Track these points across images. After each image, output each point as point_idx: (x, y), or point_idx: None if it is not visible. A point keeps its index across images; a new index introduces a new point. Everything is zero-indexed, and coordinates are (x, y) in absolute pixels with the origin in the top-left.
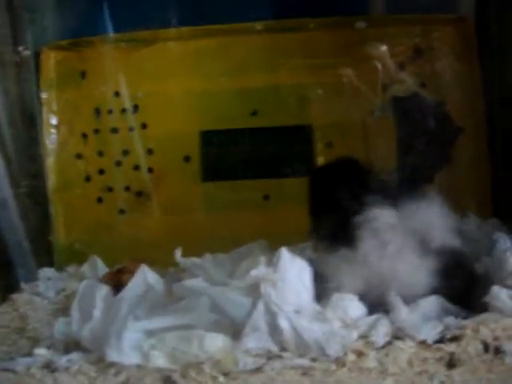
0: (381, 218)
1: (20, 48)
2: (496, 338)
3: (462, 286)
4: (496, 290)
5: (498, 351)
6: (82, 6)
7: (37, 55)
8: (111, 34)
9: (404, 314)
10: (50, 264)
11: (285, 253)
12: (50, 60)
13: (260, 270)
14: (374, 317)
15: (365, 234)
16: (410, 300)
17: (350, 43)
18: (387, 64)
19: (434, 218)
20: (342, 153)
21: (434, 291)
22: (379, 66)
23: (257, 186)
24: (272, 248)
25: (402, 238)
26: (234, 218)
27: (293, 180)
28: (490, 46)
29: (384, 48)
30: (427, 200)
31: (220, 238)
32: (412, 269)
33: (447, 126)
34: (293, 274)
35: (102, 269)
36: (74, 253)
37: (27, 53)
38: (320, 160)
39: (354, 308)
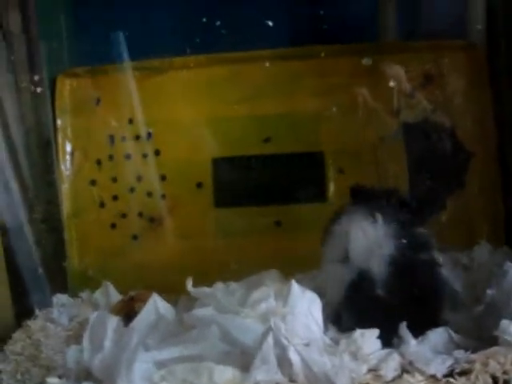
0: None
1: (36, 75)
2: (505, 372)
3: None
4: (505, 323)
5: None
6: (96, 34)
7: (52, 82)
8: (125, 62)
9: (413, 346)
10: (64, 289)
11: (295, 286)
12: (66, 87)
13: (270, 303)
14: (384, 351)
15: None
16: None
17: (361, 70)
18: (403, 87)
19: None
20: (354, 178)
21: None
22: (394, 90)
23: (269, 212)
24: (284, 274)
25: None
26: (247, 243)
27: (305, 206)
28: (501, 72)
29: (401, 71)
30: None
31: (233, 264)
32: None
33: (459, 151)
34: (303, 307)
35: (115, 295)
36: (88, 278)
37: (43, 80)
38: (332, 186)
39: (371, 343)
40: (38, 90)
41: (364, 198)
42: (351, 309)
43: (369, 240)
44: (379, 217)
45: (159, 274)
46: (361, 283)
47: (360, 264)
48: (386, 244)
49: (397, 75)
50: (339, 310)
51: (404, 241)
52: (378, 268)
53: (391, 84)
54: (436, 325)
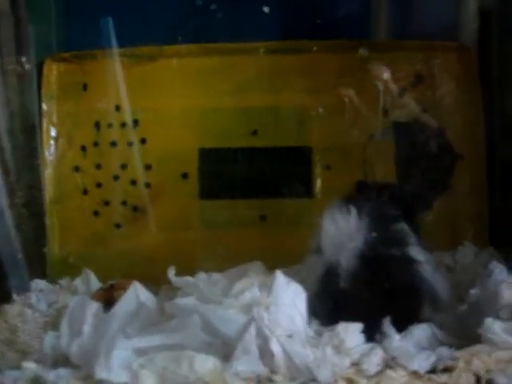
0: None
1: (23, 58)
2: (488, 371)
3: None
4: (489, 322)
5: None
6: (86, 18)
7: (39, 66)
8: (114, 48)
9: (396, 341)
10: (43, 275)
11: (280, 277)
12: (52, 71)
13: (254, 293)
14: (367, 345)
15: None
16: None
17: (352, 67)
18: (389, 87)
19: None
20: (341, 175)
21: None
22: (380, 90)
23: (254, 206)
24: (267, 268)
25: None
26: (230, 236)
27: (290, 201)
28: (491, 75)
29: (386, 71)
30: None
31: (215, 256)
32: None
33: (447, 152)
34: (287, 298)
35: (95, 283)
36: (68, 265)
37: (30, 63)
38: (318, 182)
39: (354, 337)
40: (25, 73)
41: (368, 192)
42: (322, 301)
43: (340, 233)
44: (353, 210)
45: (141, 263)
46: (329, 276)
47: (330, 256)
48: (357, 238)
49: (382, 76)
50: (314, 302)
51: (374, 235)
52: (347, 261)
53: (377, 85)
54: (413, 322)
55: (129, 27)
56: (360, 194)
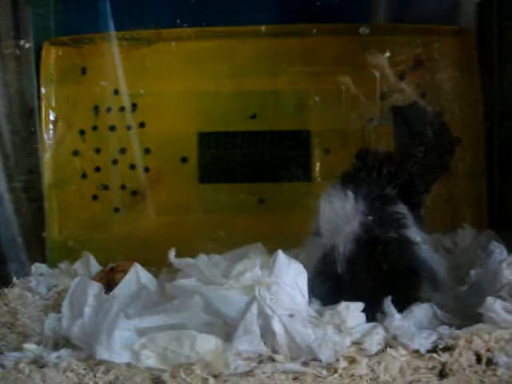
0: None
1: (21, 42)
2: (489, 349)
3: None
4: (490, 301)
5: (490, 362)
6: (85, 2)
7: (38, 50)
8: (113, 32)
9: (397, 321)
10: (43, 260)
11: (281, 256)
12: (51, 55)
13: (255, 273)
14: (368, 324)
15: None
16: None
17: (352, 51)
18: (386, 73)
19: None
20: (339, 159)
21: None
22: (379, 74)
23: (253, 190)
24: (266, 251)
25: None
26: (229, 220)
27: (289, 184)
28: (490, 59)
29: (384, 57)
30: None
31: (214, 240)
32: None
33: (445, 136)
34: (289, 277)
35: (95, 266)
36: (67, 249)
37: (28, 47)
38: (317, 166)
39: (355, 316)
40: (23, 57)
41: (369, 162)
42: (321, 283)
43: (337, 216)
44: (350, 192)
45: (140, 247)
46: (327, 258)
47: (327, 239)
48: (354, 221)
49: (379, 64)
50: (313, 284)
51: (370, 218)
52: (343, 244)
53: (376, 72)
54: (410, 302)
55: (127, 10)
56: (361, 162)
